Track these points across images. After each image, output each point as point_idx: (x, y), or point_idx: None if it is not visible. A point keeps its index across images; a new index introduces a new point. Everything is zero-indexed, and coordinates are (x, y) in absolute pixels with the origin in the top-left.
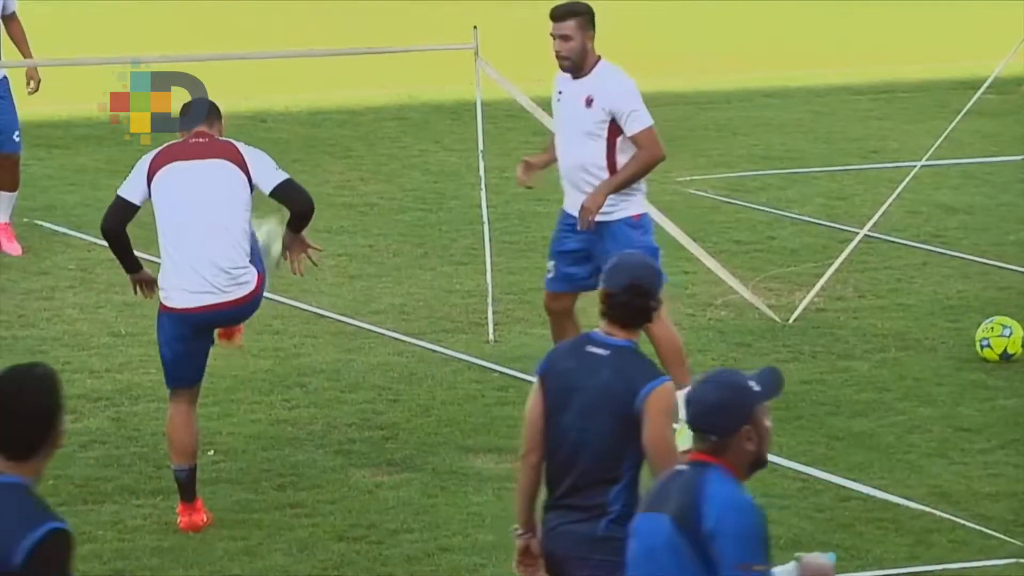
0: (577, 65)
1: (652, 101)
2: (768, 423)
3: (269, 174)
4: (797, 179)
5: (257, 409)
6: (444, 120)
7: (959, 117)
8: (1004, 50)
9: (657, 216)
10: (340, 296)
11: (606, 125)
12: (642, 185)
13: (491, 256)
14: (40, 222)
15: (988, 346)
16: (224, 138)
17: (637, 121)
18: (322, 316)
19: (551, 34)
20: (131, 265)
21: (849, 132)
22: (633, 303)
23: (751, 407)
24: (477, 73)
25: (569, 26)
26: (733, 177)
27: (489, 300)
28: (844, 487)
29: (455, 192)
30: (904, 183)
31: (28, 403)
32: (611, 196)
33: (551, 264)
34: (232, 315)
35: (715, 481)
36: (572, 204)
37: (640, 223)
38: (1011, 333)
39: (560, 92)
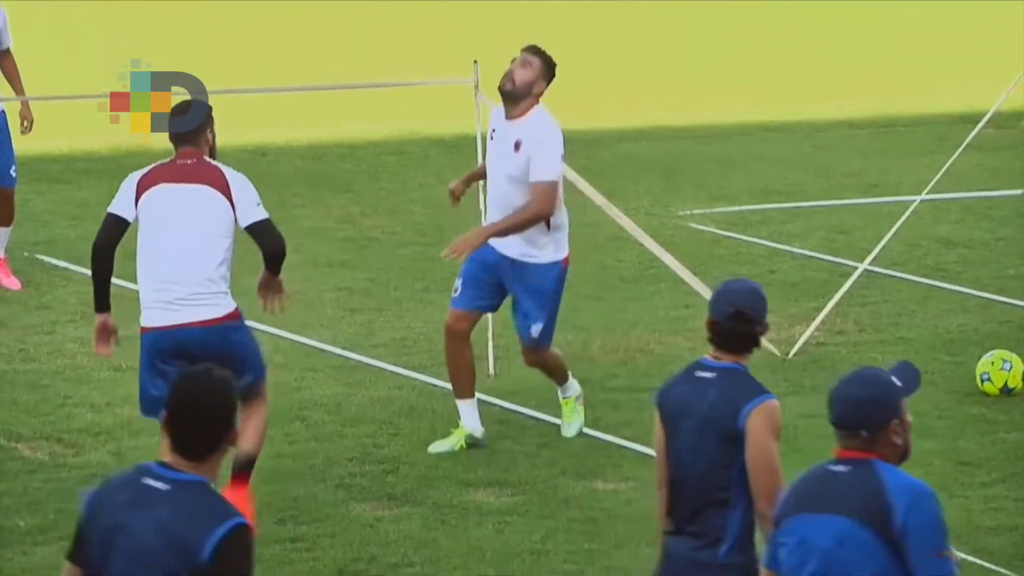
0: (515, 94)
1: (652, 135)
2: (909, 417)
3: (250, 208)
4: (797, 213)
5: None
6: (445, 154)
7: (959, 151)
8: (1003, 84)
9: (657, 250)
10: (341, 330)
11: (527, 171)
12: (566, 226)
13: None
14: (41, 256)
15: (988, 380)
16: (212, 162)
17: (542, 172)
18: (323, 350)
19: (514, 57)
20: (102, 301)
21: (849, 166)
22: (738, 330)
23: (897, 401)
24: (477, 107)
25: (534, 61)
26: (733, 211)
27: (489, 334)
28: None
29: (456, 226)
30: (904, 217)
31: (210, 406)
32: (540, 237)
33: (458, 283)
34: (202, 337)
35: (890, 473)
36: (499, 240)
37: (565, 268)
38: (1011, 367)
39: (494, 130)
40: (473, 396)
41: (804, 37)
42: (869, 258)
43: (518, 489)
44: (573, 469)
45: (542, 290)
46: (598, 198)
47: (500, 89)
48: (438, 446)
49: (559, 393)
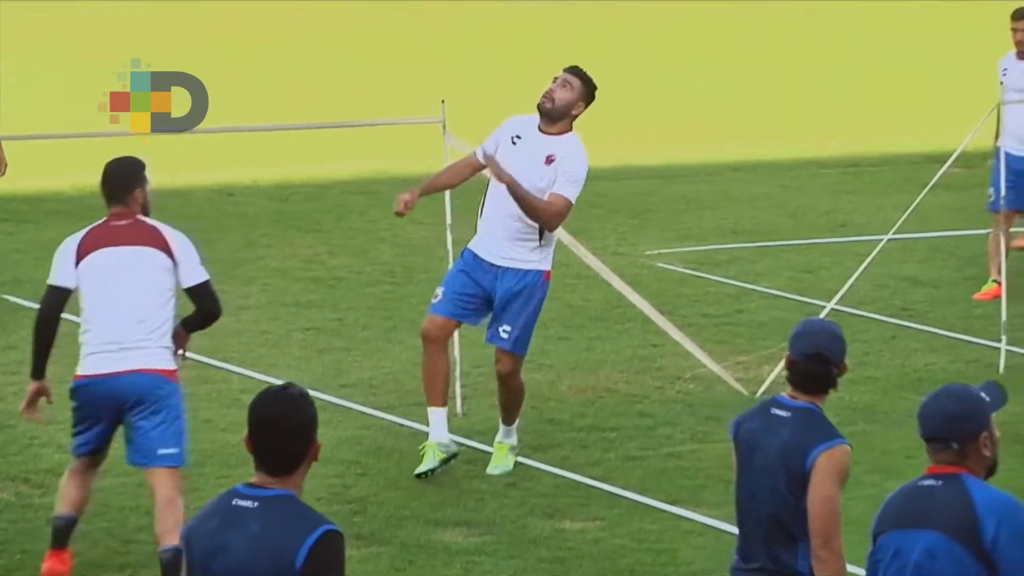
0: (554, 114)
1: (621, 174)
2: (998, 432)
3: (193, 269)
4: (765, 252)
5: (225, 483)
6: None
7: (925, 191)
8: (970, 124)
9: (624, 289)
10: (308, 370)
11: (549, 191)
12: (554, 243)
13: (459, 330)
14: (7, 296)
15: None
16: (148, 221)
17: (567, 190)
18: None
19: (555, 77)
20: (40, 369)
21: (817, 206)
22: (815, 371)
23: (987, 414)
24: (445, 147)
25: (575, 83)
26: (701, 250)
27: (457, 374)
28: None
29: (424, 266)
30: (871, 256)
31: (293, 423)
32: (528, 248)
33: (440, 291)
34: (139, 384)
35: (979, 489)
36: (484, 248)
37: (548, 282)
38: None
39: (518, 137)
40: (444, 405)
41: (773, 78)
42: (836, 297)
43: (486, 529)
44: (541, 509)
45: (520, 296)
46: (566, 237)
47: (539, 107)
48: (423, 468)
49: (499, 434)
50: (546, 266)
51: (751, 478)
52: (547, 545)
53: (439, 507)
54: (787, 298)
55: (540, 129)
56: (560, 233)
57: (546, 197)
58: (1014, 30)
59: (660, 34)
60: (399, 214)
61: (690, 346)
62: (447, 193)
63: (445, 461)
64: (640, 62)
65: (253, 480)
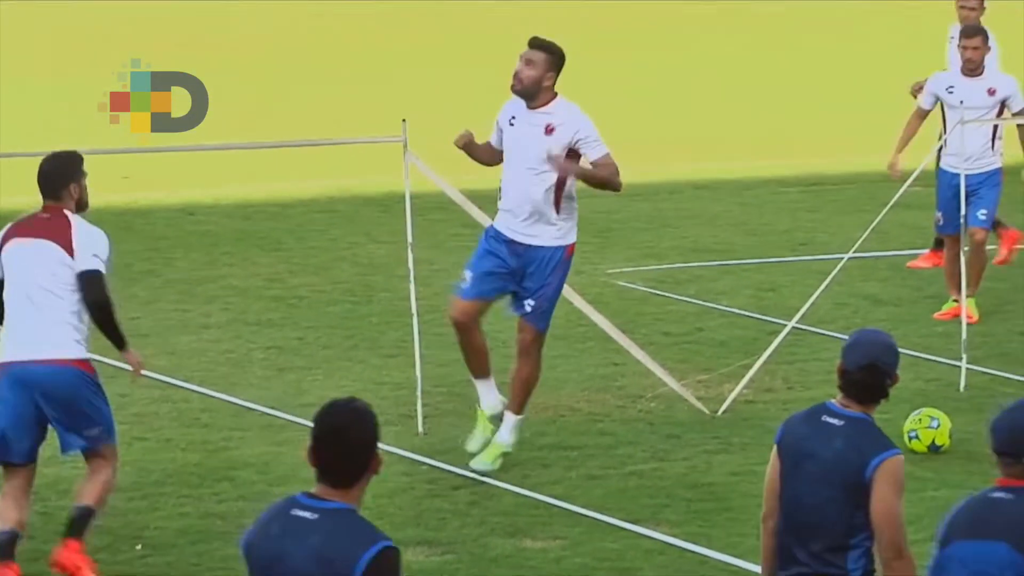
0: (526, 92)
1: (582, 193)
2: None
3: (85, 258)
4: (726, 271)
5: (186, 503)
6: (373, 212)
7: (886, 209)
8: (931, 143)
9: (586, 308)
10: (269, 389)
11: (563, 154)
12: (576, 214)
13: (420, 349)
14: None
15: (916, 438)
16: (67, 215)
17: (598, 148)
18: (251, 409)
19: (520, 55)
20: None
21: (778, 224)
22: (869, 381)
23: None
24: (406, 166)
25: (538, 56)
26: (662, 269)
27: (418, 393)
28: None
29: (385, 285)
30: (832, 275)
31: (356, 437)
32: (549, 223)
33: (467, 274)
34: (47, 376)
35: None
36: (506, 225)
37: (570, 254)
38: (939, 425)
39: (513, 118)
40: (489, 376)
41: (733, 96)
42: (797, 316)
43: (447, 548)
44: (503, 528)
45: (544, 269)
46: None
47: (512, 90)
48: (471, 444)
49: (501, 430)
50: (569, 240)
51: (800, 486)
52: (508, 564)
53: (400, 526)
54: (748, 316)
55: (528, 107)
56: None
57: (590, 159)
58: (964, 47)
59: (619, 52)
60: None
61: (651, 365)
62: (408, 210)
63: (495, 420)
64: (599, 81)
65: (314, 491)
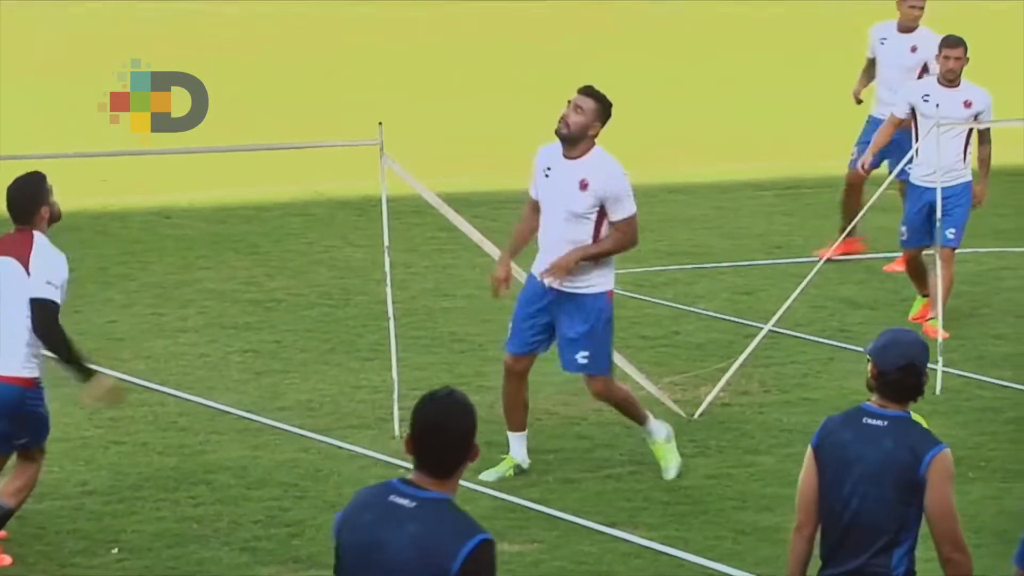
0: (571, 138)
1: None
2: None
3: (39, 284)
4: (703, 274)
5: (162, 506)
6: (350, 216)
7: (862, 213)
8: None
9: None
10: (246, 393)
11: (596, 209)
12: (613, 261)
13: (397, 352)
14: None
15: None
16: (34, 233)
17: (624, 209)
18: (227, 413)
19: (569, 100)
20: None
21: (754, 228)
22: (907, 381)
23: None
24: (382, 169)
25: (588, 103)
26: (639, 272)
27: (395, 396)
28: None
29: (361, 288)
30: (808, 278)
31: (457, 427)
32: (587, 270)
33: (511, 326)
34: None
35: None
36: (559, 283)
37: (610, 300)
38: None
39: (549, 168)
40: (524, 429)
41: (709, 99)
42: (774, 319)
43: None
44: None
45: (587, 319)
46: None
47: (556, 133)
48: (489, 474)
49: (648, 440)
50: (607, 286)
51: (849, 488)
52: None
53: None
54: (724, 319)
55: (565, 155)
56: (499, 255)
57: (611, 219)
58: (947, 58)
59: (595, 55)
60: (499, 294)
61: (628, 368)
62: (385, 214)
63: (517, 472)
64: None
65: (411, 478)
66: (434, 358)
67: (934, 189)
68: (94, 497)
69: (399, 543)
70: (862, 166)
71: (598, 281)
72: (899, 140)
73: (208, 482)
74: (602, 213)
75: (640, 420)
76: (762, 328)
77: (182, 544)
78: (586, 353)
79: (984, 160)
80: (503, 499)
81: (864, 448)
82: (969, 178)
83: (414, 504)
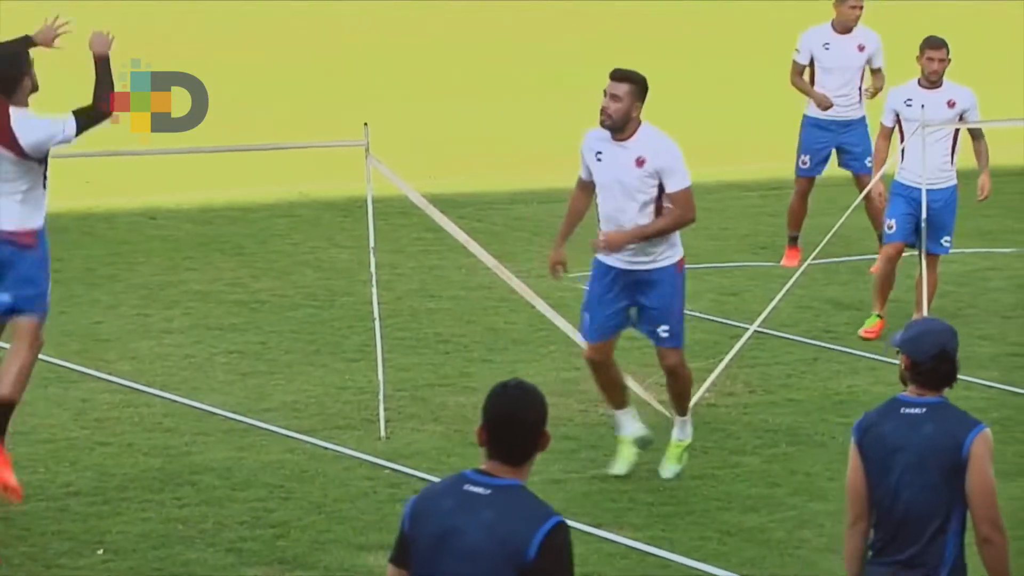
0: (616, 126)
1: (545, 198)
2: None
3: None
4: (688, 275)
5: (148, 507)
6: (335, 217)
7: (847, 213)
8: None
9: (548, 312)
10: (231, 393)
11: (656, 184)
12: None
13: (383, 353)
14: None
15: None
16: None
17: (679, 181)
18: (213, 414)
19: (604, 90)
20: None
21: (739, 228)
22: (941, 369)
23: None
24: (368, 170)
25: (622, 88)
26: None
27: (381, 397)
28: None
29: (347, 289)
30: (794, 279)
31: (531, 416)
32: (660, 245)
33: (586, 316)
34: None
35: None
36: (614, 257)
37: (683, 271)
38: None
39: (600, 152)
40: (627, 406)
41: (694, 100)
42: (759, 320)
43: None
44: None
45: (663, 293)
46: (489, 260)
47: (601, 125)
48: (617, 468)
49: (674, 431)
50: (676, 257)
51: (895, 477)
52: None
53: (363, 531)
54: (710, 320)
55: (614, 139)
56: (484, 256)
57: (667, 191)
58: (930, 59)
59: (583, 60)
60: (556, 276)
61: None
62: (370, 215)
63: (643, 445)
64: (562, 87)
65: (484, 467)
66: (420, 359)
67: (920, 190)
68: (79, 498)
69: (475, 530)
70: (879, 194)
71: (668, 253)
72: (847, 135)
73: (193, 483)
74: (661, 189)
75: (683, 410)
76: (747, 329)
77: (167, 545)
78: (666, 327)
79: (981, 153)
80: None
81: (905, 437)
82: (956, 181)
83: (489, 492)
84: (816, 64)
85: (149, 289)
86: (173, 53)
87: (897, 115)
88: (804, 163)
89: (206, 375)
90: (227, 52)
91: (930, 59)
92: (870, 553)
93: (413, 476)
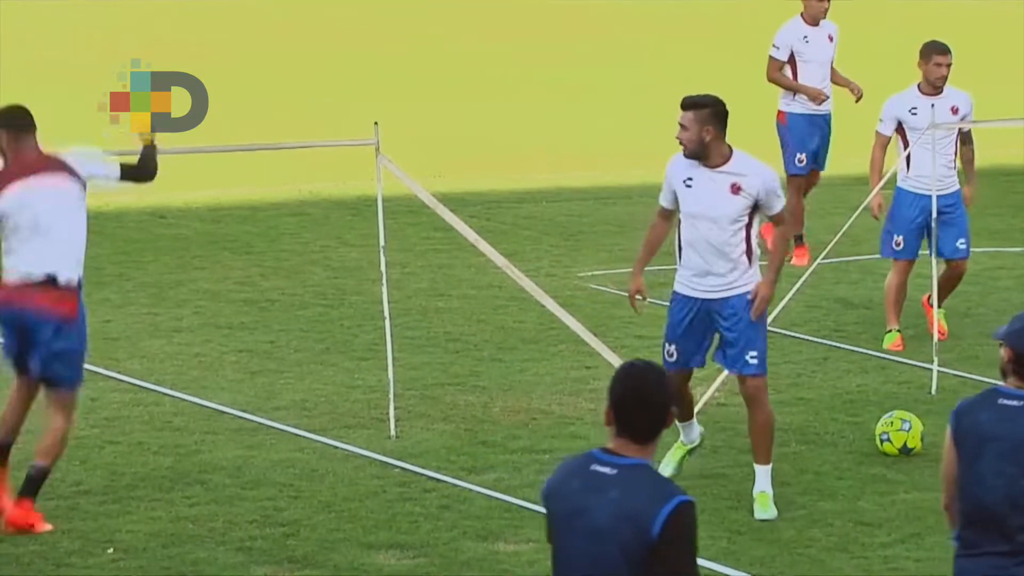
0: (693, 154)
1: (554, 196)
2: None
3: (97, 163)
4: None
5: (157, 506)
6: (345, 216)
7: (856, 213)
8: (900, 147)
9: (558, 311)
10: (241, 392)
11: (749, 210)
12: (758, 255)
13: (393, 352)
14: None
15: (888, 440)
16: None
17: (779, 202)
18: (223, 412)
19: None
20: None
21: None
22: None
23: None
24: (378, 169)
25: (687, 117)
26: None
27: (391, 396)
28: None
29: (356, 288)
30: (803, 278)
31: (661, 395)
32: (746, 271)
33: (672, 348)
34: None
35: None
36: (698, 287)
37: None
38: (910, 427)
39: (689, 179)
40: (692, 418)
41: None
42: (769, 318)
43: (419, 551)
44: (474, 531)
45: (746, 316)
46: (499, 259)
47: (684, 155)
48: (664, 468)
49: (757, 483)
50: (757, 279)
51: (984, 466)
52: (480, 567)
53: (372, 530)
54: None
55: (705, 165)
56: (493, 255)
57: (770, 214)
58: (939, 65)
59: (592, 58)
60: (635, 307)
61: None
62: (380, 214)
63: (689, 452)
64: (572, 85)
65: (610, 447)
66: (429, 358)
67: (930, 196)
68: (89, 497)
69: (602, 509)
70: (878, 207)
71: (753, 279)
72: (827, 130)
73: (203, 482)
74: (751, 214)
75: (767, 457)
76: None
77: (177, 544)
78: (754, 353)
79: (969, 161)
80: (498, 498)
81: (999, 427)
82: (959, 184)
83: (615, 471)
84: (798, 59)
85: (158, 288)
86: (176, 53)
87: (899, 123)
88: (800, 161)
89: (216, 374)
90: (237, 51)
91: (938, 64)
92: (957, 545)
93: (422, 475)
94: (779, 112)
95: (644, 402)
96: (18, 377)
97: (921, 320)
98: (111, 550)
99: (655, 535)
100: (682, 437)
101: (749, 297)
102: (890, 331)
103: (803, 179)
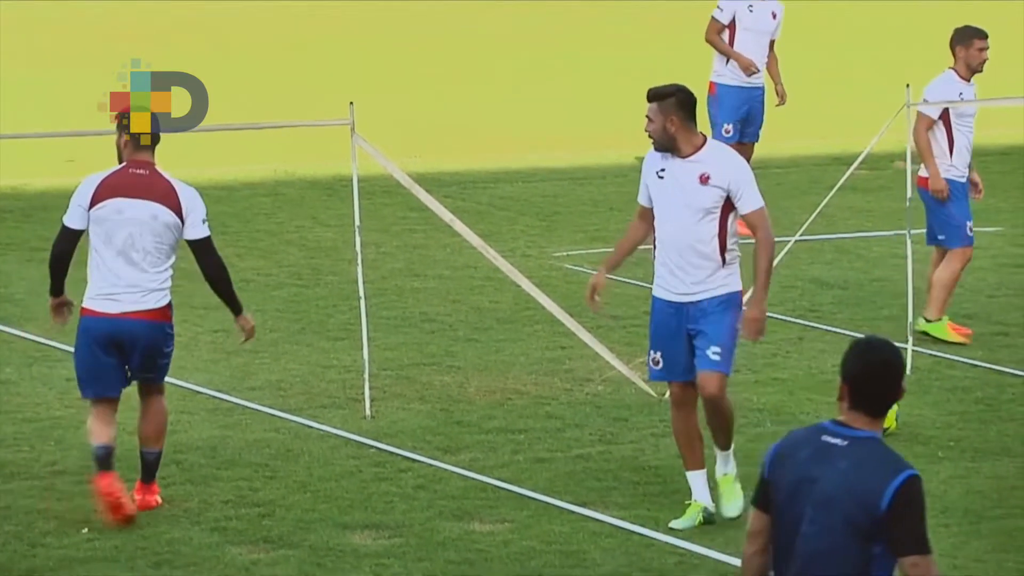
0: (660, 146)
1: (529, 177)
2: None
3: (196, 225)
4: None
5: (132, 486)
6: (320, 196)
7: (832, 192)
8: (876, 127)
9: (533, 291)
10: (216, 372)
11: (721, 203)
12: (739, 260)
13: (368, 332)
14: None
15: None
16: (161, 172)
17: (754, 199)
18: (198, 392)
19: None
20: (56, 288)
21: None
22: None
23: None
24: (353, 149)
25: (652, 108)
26: (610, 252)
27: (366, 376)
28: (722, 562)
29: (332, 268)
30: (779, 258)
31: (895, 369)
32: (723, 272)
33: (656, 355)
34: (136, 329)
35: None
36: (675, 289)
37: (742, 300)
38: None
39: (662, 170)
40: (703, 467)
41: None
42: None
43: (395, 531)
44: (450, 511)
45: (721, 316)
46: (474, 239)
47: (654, 148)
48: (679, 523)
49: (718, 464)
50: (737, 286)
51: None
52: (456, 547)
53: (348, 510)
54: None
55: (677, 156)
56: (469, 235)
57: (741, 212)
58: (981, 49)
59: (571, 38)
60: (591, 302)
61: (599, 348)
62: (355, 194)
63: (708, 519)
64: (546, 66)
65: (841, 419)
66: (404, 338)
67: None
68: (64, 477)
69: (831, 479)
70: (940, 192)
71: (728, 282)
72: (757, 103)
73: (178, 462)
74: (726, 208)
75: (726, 444)
76: None
77: (152, 524)
78: (717, 349)
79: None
80: (473, 478)
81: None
82: None
83: (846, 443)
84: (738, 25)
85: None
86: (149, 34)
87: (944, 110)
88: (727, 131)
89: (191, 354)
90: (212, 32)
91: (981, 49)
92: None
93: (398, 455)
94: (710, 83)
95: (889, 376)
96: (104, 403)
97: (897, 300)
98: (86, 530)
99: (884, 508)
100: (724, 468)
101: (738, 325)
102: (940, 320)
103: (739, 147)
